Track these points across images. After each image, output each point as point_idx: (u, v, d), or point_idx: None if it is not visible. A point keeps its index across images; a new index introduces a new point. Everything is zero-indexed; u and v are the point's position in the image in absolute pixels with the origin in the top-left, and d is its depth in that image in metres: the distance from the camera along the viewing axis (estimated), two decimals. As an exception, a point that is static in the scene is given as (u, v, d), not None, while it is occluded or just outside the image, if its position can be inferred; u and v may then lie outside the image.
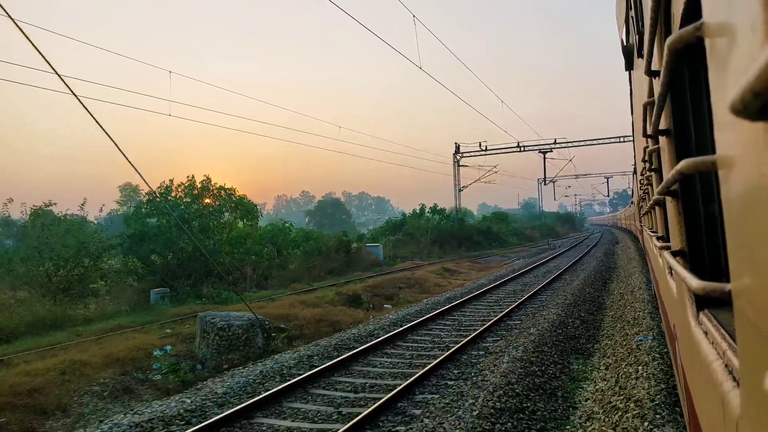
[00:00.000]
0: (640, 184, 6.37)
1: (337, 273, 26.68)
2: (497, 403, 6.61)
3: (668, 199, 2.21)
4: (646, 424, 5.70)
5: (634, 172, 13.84)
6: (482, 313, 13.87)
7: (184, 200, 20.65)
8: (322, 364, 8.81)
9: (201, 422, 6.34)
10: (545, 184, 49.21)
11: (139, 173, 8.28)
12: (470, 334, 10.70)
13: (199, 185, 21.34)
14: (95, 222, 23.73)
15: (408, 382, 7.45)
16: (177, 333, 12.59)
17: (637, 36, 3.50)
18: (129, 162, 7.91)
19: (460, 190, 46.69)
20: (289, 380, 7.97)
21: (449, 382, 7.68)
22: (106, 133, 7.42)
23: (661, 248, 2.73)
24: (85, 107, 7.11)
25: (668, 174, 1.73)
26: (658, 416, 5.81)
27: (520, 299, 15.13)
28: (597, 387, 7.78)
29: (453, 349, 9.33)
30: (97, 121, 7.27)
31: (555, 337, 10.62)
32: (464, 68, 23.78)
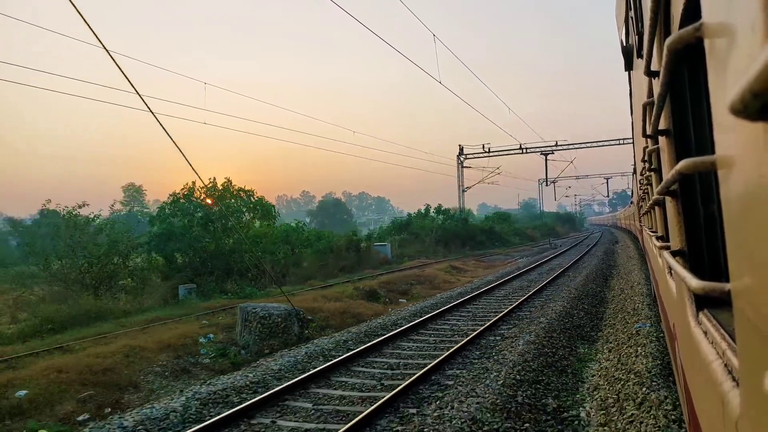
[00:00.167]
0: (640, 184, 6.31)
1: (348, 270, 27.83)
2: (517, 376, 7.74)
3: (668, 199, 2.21)
4: (644, 389, 6.83)
5: (634, 172, 13.80)
6: (493, 306, 15.00)
7: (207, 201, 21.73)
8: (357, 348, 9.94)
9: (266, 392, 7.45)
10: (547, 185, 50.32)
11: (197, 174, 9.40)
12: (485, 323, 11.82)
13: (220, 187, 22.44)
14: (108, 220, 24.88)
15: (437, 360, 8.58)
16: (213, 323, 13.71)
17: (636, 36, 3.48)
18: (190, 165, 9.02)
19: (463, 191, 47.83)
20: (331, 360, 9.10)
21: (474, 361, 8.82)
22: (175, 143, 8.53)
23: (661, 248, 2.74)
24: (161, 124, 8.22)
25: (668, 174, 1.72)
26: (654, 383, 6.94)
27: (527, 294, 16.24)
28: (601, 366, 8.91)
29: (472, 335, 10.45)
30: (169, 136, 8.38)
31: (562, 325, 11.75)
32: (466, 70, 24.81)
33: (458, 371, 8.28)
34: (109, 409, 7.97)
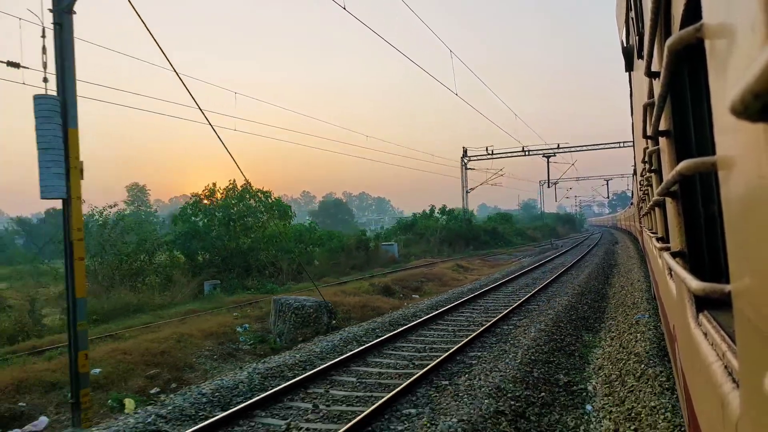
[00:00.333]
0: (640, 185, 6.32)
1: (359, 269, 28.97)
2: (532, 356, 8.88)
3: (668, 200, 2.21)
4: (642, 366, 7.97)
5: (634, 173, 13.69)
6: (503, 300, 16.12)
7: (231, 202, 22.87)
8: (385, 335, 11.05)
9: (312, 369, 8.57)
10: (549, 187, 51.47)
11: (246, 180, 10.50)
12: (498, 315, 12.94)
13: (240, 188, 23.57)
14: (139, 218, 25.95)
15: (460, 344, 9.71)
16: (245, 315, 14.84)
17: (637, 37, 3.47)
18: (242, 173, 10.13)
19: (467, 192, 48.97)
20: (365, 344, 10.22)
21: (492, 345, 9.96)
22: (231, 154, 9.65)
23: (661, 249, 2.73)
24: (219, 137, 9.35)
25: (668, 175, 1.71)
26: (651, 362, 8.08)
27: (534, 290, 17.36)
28: (605, 351, 10.04)
29: (487, 325, 11.57)
30: (226, 148, 9.50)
31: (568, 317, 12.87)
32: (468, 71, 25.90)
33: (479, 353, 9.41)
34: (175, 384, 9.11)
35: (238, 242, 22.80)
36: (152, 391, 8.77)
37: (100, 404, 8.24)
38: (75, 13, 6.97)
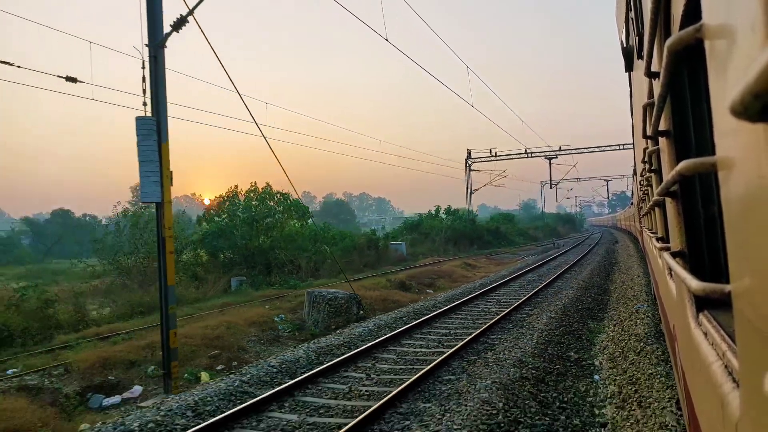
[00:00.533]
0: (640, 185, 6.35)
1: (371, 266, 30.32)
2: (546, 338, 10.24)
3: (668, 200, 2.20)
4: (641, 344, 9.33)
5: (634, 173, 13.74)
6: (513, 294, 17.48)
7: (254, 203, 24.24)
8: (412, 322, 12.40)
9: (357, 349, 9.91)
10: (551, 188, 52.85)
11: (293, 186, 11.85)
12: (511, 306, 14.29)
13: (261, 190, 24.93)
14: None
15: (481, 329, 11.06)
16: (276, 307, 16.19)
17: (636, 37, 3.48)
18: (289, 180, 11.47)
19: (471, 193, 50.35)
20: (396, 330, 11.57)
21: (510, 329, 11.33)
22: (280, 163, 10.99)
23: (661, 249, 2.73)
24: (271, 148, 10.68)
25: (668, 175, 1.71)
26: (649, 341, 9.44)
27: (540, 285, 18.71)
28: (608, 334, 11.40)
29: (503, 314, 12.93)
30: (277, 158, 10.84)
31: (574, 307, 14.23)
32: (471, 75, 27.28)
33: (500, 336, 10.78)
34: (235, 363, 10.47)
35: (259, 241, 24.15)
36: (218, 368, 10.12)
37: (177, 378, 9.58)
38: (167, 47, 8.33)
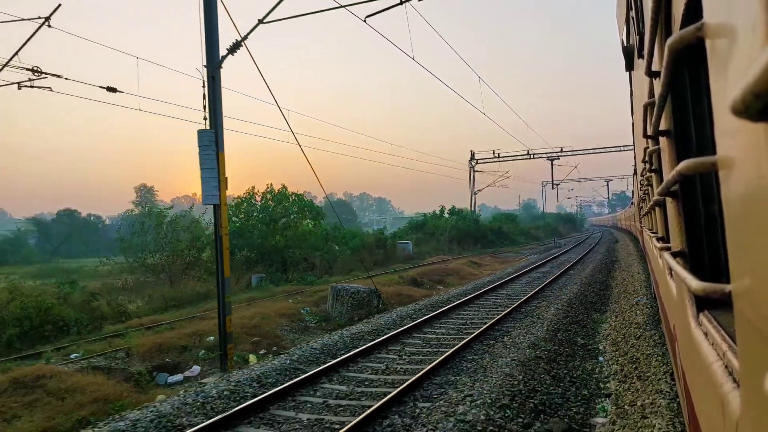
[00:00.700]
0: (641, 185, 6.35)
1: (380, 264, 31.46)
2: (554, 326, 11.38)
3: (668, 199, 2.21)
4: (640, 330, 10.47)
5: (635, 173, 13.85)
6: (521, 289, 18.62)
7: (271, 204, 25.40)
8: (430, 314, 13.53)
9: (384, 335, 11.03)
10: (553, 188, 54.01)
11: (323, 189, 12.97)
12: (520, 300, 15.43)
13: (276, 191, 26.08)
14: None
15: (496, 318, 12.19)
16: (299, 301, 17.32)
17: (637, 36, 3.49)
18: (320, 184, 12.60)
19: (474, 194, 51.50)
20: (417, 320, 12.70)
21: (522, 319, 12.47)
22: (314, 171, 12.12)
23: (661, 249, 2.74)
24: (306, 158, 11.81)
25: (668, 175, 1.71)
26: (648, 327, 10.58)
27: (545, 281, 19.84)
28: (611, 324, 12.54)
29: (513, 306, 14.06)
30: (312, 167, 11.97)
31: (579, 301, 15.37)
32: (474, 76, 28.42)
33: (513, 324, 11.92)
34: (275, 348, 11.61)
35: (275, 241, 25.29)
36: (260, 352, 11.26)
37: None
38: (222, 68, 9.46)
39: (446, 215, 51.47)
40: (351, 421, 6.11)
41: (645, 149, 3.62)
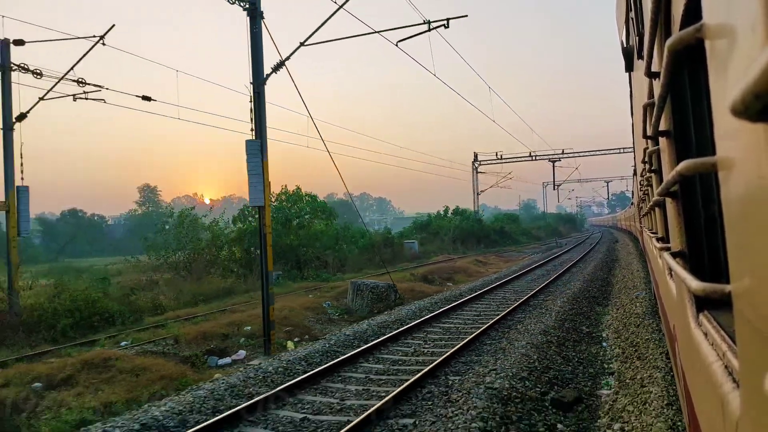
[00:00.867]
0: (640, 185, 6.38)
1: (389, 263, 32.58)
2: (562, 317, 12.51)
3: (668, 200, 2.22)
4: (640, 319, 11.60)
5: (634, 173, 13.90)
6: (527, 285, 19.75)
7: (285, 204, 26.54)
8: (446, 306, 14.66)
9: (405, 326, 12.14)
10: (554, 189, 55.17)
11: (347, 187, 14.07)
12: (527, 294, 16.55)
13: (291, 192, 27.22)
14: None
15: (508, 310, 13.32)
16: (319, 296, 18.44)
17: (637, 37, 3.48)
18: (345, 186, 13.68)
19: (478, 194, 52.66)
20: (435, 312, 13.83)
21: (531, 311, 13.60)
22: (341, 175, 13.24)
23: (661, 249, 2.76)
24: (335, 163, 12.93)
25: (668, 175, 1.72)
26: (646, 317, 11.71)
27: (550, 278, 20.96)
28: (612, 315, 13.67)
29: (522, 299, 15.18)
30: (341, 175, 13.08)
31: (582, 295, 16.50)
32: (476, 77, 29.51)
33: (523, 315, 13.05)
34: (307, 336, 12.73)
35: (289, 240, 26.41)
36: (295, 340, 12.38)
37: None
38: (266, 84, 10.58)
39: (450, 215, 52.61)
40: (394, 391, 7.23)
41: (645, 150, 3.63)
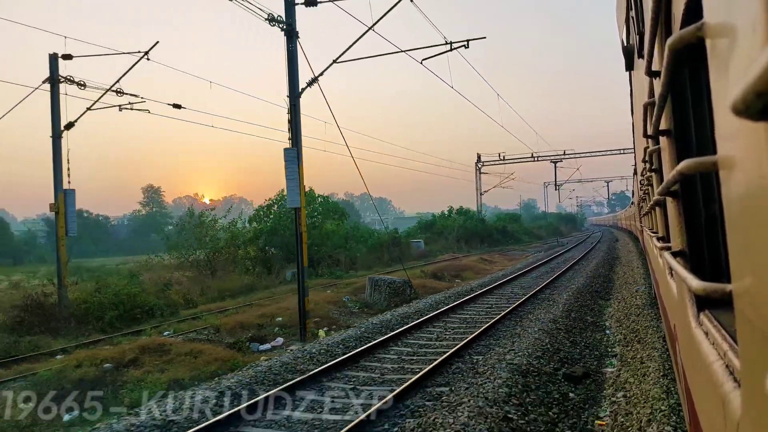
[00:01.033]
0: (641, 184, 6.38)
1: (396, 261, 33.74)
2: (568, 309, 13.66)
3: (669, 199, 2.22)
4: (640, 310, 12.74)
5: (635, 173, 13.95)
6: (533, 281, 20.89)
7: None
8: (460, 299, 15.79)
9: (424, 317, 13.26)
10: (556, 189, 56.33)
11: (367, 189, 15.20)
12: (534, 289, 17.69)
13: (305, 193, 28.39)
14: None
15: (517, 303, 14.46)
16: (337, 292, 19.57)
17: (637, 36, 3.46)
18: (365, 184, 14.85)
19: (481, 195, 53.82)
20: (450, 304, 14.96)
21: (539, 303, 14.75)
22: (364, 180, 14.37)
23: (662, 249, 2.75)
24: (357, 166, 14.06)
25: (669, 174, 1.72)
26: (646, 307, 12.85)
27: (554, 275, 22.08)
28: (614, 307, 14.81)
29: (529, 294, 16.32)
30: (363, 179, 14.20)
31: (586, 290, 17.64)
32: (477, 78, 30.60)
33: (532, 307, 14.20)
34: (334, 326, 13.87)
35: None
36: (324, 329, 13.53)
37: (296, 336, 12.98)
38: (300, 96, 11.71)
39: (454, 215, 53.79)
40: (426, 368, 8.36)
41: (645, 149, 3.63)
